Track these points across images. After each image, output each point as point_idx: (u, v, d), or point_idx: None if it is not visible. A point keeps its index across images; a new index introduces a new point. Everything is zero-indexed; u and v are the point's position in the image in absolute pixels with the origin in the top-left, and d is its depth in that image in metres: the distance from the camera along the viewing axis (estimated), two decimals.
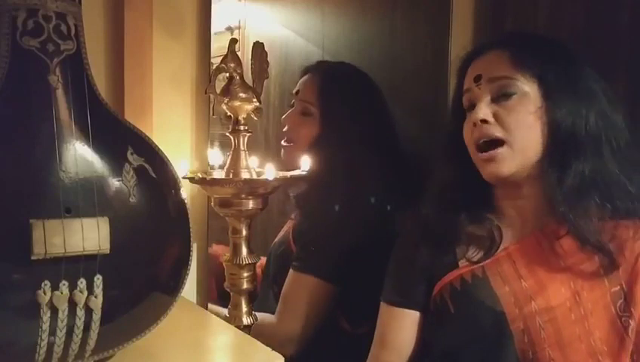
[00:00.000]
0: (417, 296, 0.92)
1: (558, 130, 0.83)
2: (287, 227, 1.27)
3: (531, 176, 0.86)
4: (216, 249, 1.10)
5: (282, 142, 1.24)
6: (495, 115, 0.85)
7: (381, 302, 0.95)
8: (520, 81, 0.84)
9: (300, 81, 1.25)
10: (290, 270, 1.13)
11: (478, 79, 0.87)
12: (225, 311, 0.95)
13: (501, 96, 0.85)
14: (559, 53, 0.87)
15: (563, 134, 0.83)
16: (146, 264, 0.64)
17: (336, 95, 1.19)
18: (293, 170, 1.11)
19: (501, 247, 0.88)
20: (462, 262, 0.89)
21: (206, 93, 0.89)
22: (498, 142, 0.84)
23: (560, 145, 0.83)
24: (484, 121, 0.85)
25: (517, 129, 0.83)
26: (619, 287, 0.81)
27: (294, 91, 1.25)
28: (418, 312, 0.92)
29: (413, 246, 0.93)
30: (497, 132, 0.84)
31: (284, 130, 1.24)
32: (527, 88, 0.84)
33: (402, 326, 0.92)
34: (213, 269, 1.06)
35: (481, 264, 0.87)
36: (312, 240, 1.13)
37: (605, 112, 0.84)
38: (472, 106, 0.88)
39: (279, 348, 0.73)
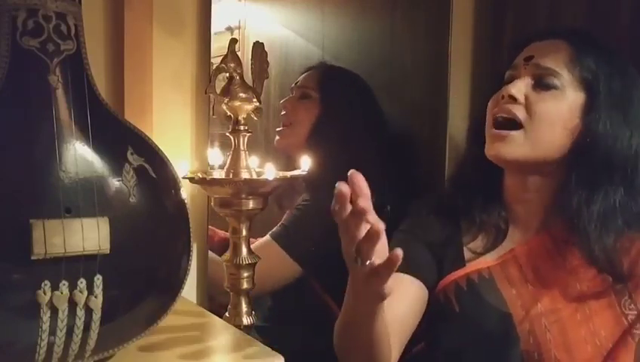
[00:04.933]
0: (425, 266, 0.88)
1: (595, 145, 0.81)
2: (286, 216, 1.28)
3: (542, 172, 0.85)
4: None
5: (277, 129, 1.28)
6: (526, 98, 0.83)
7: None
8: (567, 79, 0.82)
9: (300, 77, 1.31)
10: (268, 235, 1.15)
11: (528, 59, 0.85)
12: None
13: (541, 85, 0.83)
14: (621, 69, 0.85)
15: (601, 152, 0.80)
16: (146, 264, 0.64)
17: (336, 82, 1.28)
18: (286, 156, 1.13)
19: (507, 249, 0.88)
20: (467, 254, 0.89)
21: (206, 93, 0.89)
22: (515, 125, 0.83)
23: (593, 161, 0.81)
24: (512, 98, 0.83)
25: (540, 120, 0.82)
26: (622, 284, 0.81)
27: (294, 83, 1.30)
28: (421, 284, 0.87)
29: (422, 225, 0.92)
30: (520, 113, 0.82)
31: (281, 113, 1.29)
32: (571, 90, 0.82)
33: (406, 295, 0.86)
34: None
35: (487, 266, 0.87)
36: (300, 223, 1.16)
37: None
38: (510, 81, 0.86)
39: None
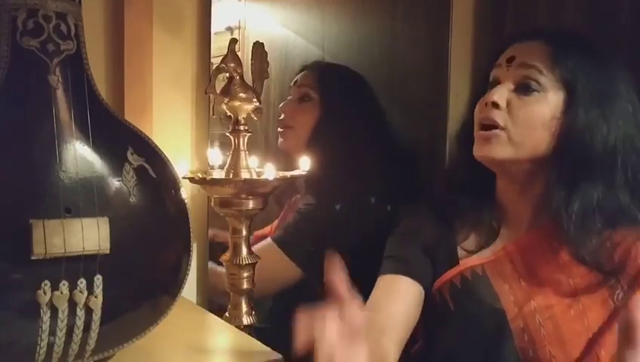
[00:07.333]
0: (420, 266, 0.89)
1: (574, 142, 0.81)
2: (283, 213, 1.28)
3: (530, 172, 0.85)
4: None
5: (279, 130, 1.28)
6: (508, 103, 0.84)
7: (378, 278, 0.91)
8: (548, 78, 0.83)
9: (298, 76, 1.30)
10: (269, 238, 1.15)
11: (510, 60, 0.86)
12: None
13: (523, 88, 0.83)
14: (601, 65, 0.84)
15: (578, 149, 0.81)
16: (146, 264, 0.64)
17: (336, 82, 1.26)
18: (289, 156, 1.13)
19: (500, 246, 0.88)
20: (460, 252, 0.90)
21: (206, 93, 0.89)
22: (499, 127, 0.84)
23: (572, 159, 0.81)
24: (495, 105, 0.84)
25: (523, 125, 0.82)
26: (614, 280, 0.81)
27: (292, 83, 1.29)
28: (417, 284, 0.89)
29: (415, 227, 0.93)
30: (501, 120, 0.83)
31: (280, 118, 1.28)
32: (551, 90, 0.83)
33: (403, 295, 0.88)
34: None
35: (480, 263, 0.87)
36: (301, 226, 1.15)
37: (632, 137, 0.82)
38: (494, 84, 0.87)
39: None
